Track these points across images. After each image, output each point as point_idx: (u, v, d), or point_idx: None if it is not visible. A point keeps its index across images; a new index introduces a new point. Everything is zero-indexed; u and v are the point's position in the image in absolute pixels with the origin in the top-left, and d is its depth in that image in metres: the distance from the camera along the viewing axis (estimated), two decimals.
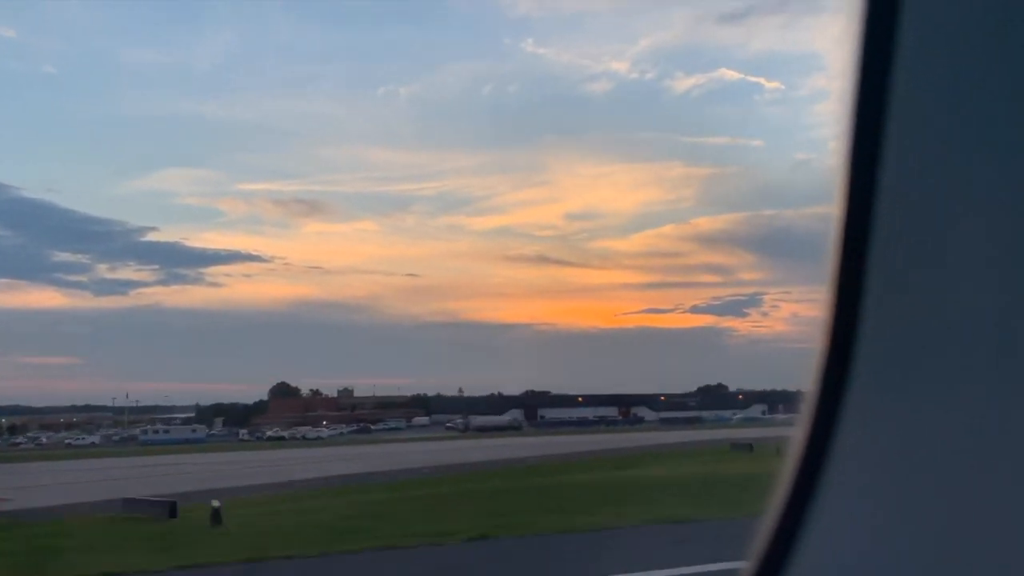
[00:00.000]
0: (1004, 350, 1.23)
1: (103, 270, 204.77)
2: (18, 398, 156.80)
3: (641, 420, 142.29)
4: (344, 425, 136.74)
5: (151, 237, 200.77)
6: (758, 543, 1.41)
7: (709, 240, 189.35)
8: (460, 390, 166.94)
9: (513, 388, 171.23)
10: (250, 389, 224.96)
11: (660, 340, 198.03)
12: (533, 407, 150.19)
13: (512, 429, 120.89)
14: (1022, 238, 1.21)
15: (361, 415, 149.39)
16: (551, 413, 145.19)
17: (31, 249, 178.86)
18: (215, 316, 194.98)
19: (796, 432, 1.39)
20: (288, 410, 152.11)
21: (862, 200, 1.29)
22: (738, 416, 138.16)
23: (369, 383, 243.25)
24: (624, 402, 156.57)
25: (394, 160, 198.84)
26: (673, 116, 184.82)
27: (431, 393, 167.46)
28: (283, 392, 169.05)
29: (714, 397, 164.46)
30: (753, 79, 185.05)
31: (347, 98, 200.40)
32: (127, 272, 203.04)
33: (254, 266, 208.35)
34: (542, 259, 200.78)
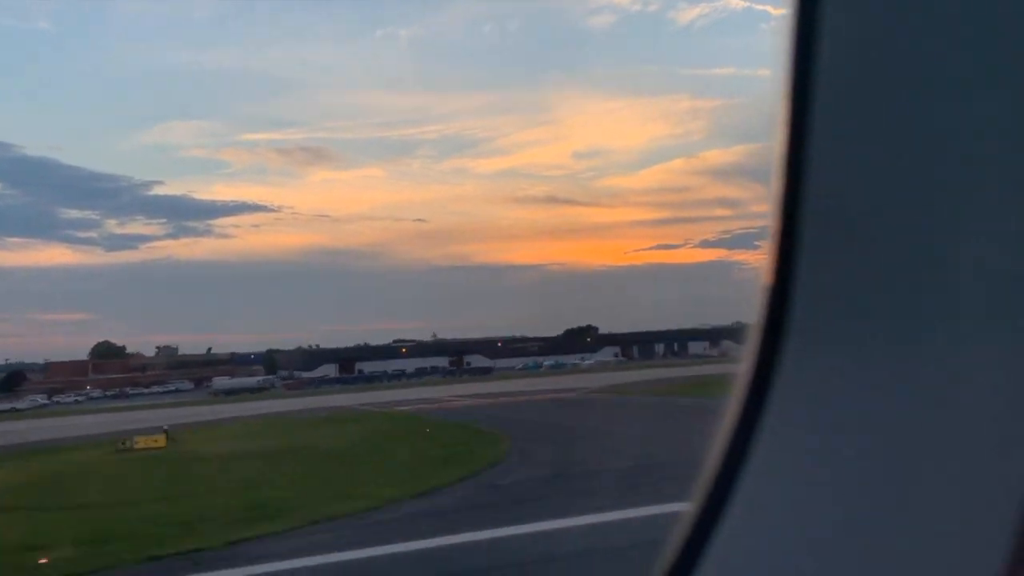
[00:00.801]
0: (949, 291, 1.23)
1: (112, 225, 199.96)
2: (36, 356, 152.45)
3: (457, 370, 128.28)
4: (103, 390, 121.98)
5: (157, 191, 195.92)
6: (701, 483, 1.39)
7: (719, 173, 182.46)
8: (433, 335, 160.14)
9: (524, 330, 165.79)
10: (266, 339, 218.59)
11: (670, 276, 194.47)
12: (351, 360, 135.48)
13: (260, 390, 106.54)
14: (964, 178, 1.22)
15: (143, 378, 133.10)
16: (373, 366, 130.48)
17: (40, 207, 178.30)
18: (226, 267, 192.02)
19: (740, 368, 1.38)
20: (108, 371, 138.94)
21: (799, 132, 1.29)
22: (551, 362, 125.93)
23: (382, 328, 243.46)
24: (458, 350, 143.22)
25: (397, 104, 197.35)
26: (678, 48, 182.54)
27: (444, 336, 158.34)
28: (103, 352, 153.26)
29: (575, 340, 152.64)
30: (759, 7, 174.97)
31: (346, 42, 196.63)
32: (136, 226, 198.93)
33: (262, 216, 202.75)
34: (551, 199, 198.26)
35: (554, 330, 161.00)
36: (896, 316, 1.26)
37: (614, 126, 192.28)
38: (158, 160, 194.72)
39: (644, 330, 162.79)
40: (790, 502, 1.29)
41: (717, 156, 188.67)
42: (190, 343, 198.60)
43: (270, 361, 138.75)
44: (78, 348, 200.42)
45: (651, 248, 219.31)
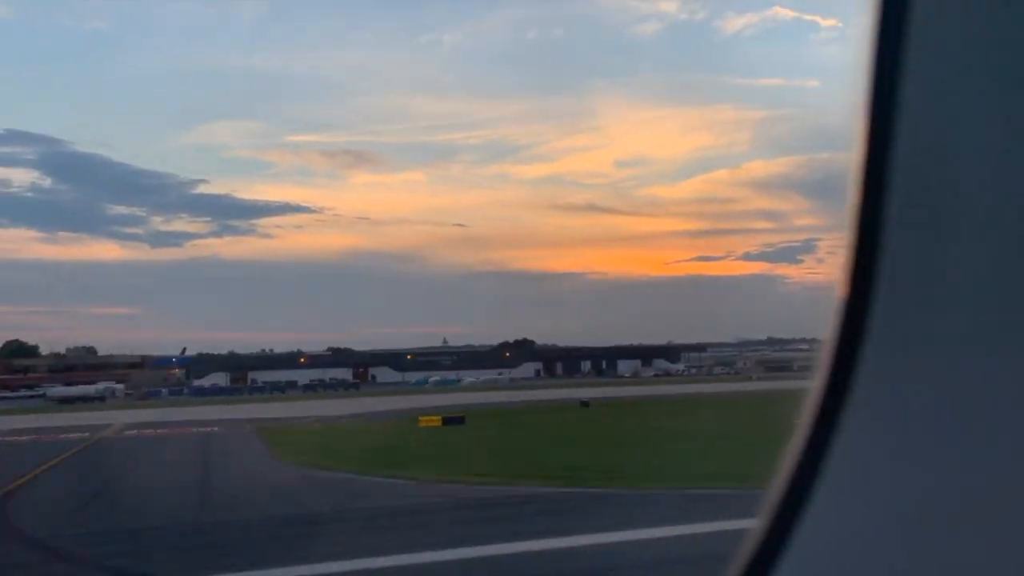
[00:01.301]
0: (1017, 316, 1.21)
1: (158, 222, 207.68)
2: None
3: (351, 385, 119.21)
4: None
5: (202, 190, 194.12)
6: (769, 501, 1.37)
7: (762, 185, 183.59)
8: (444, 340, 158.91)
9: (554, 338, 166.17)
10: (305, 337, 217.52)
11: (711, 288, 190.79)
12: (244, 371, 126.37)
13: (99, 399, 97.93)
14: None
15: (12, 380, 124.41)
16: (273, 376, 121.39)
17: (89, 202, 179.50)
18: (267, 266, 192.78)
19: (814, 383, 1.36)
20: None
21: (881, 149, 1.27)
22: (438, 377, 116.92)
23: (419, 332, 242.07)
24: (365, 362, 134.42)
25: (440, 109, 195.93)
26: (725, 57, 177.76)
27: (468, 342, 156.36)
28: (12, 351, 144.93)
29: (500, 354, 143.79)
30: (809, 17, 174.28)
31: (391, 47, 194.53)
32: (181, 224, 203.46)
33: (304, 217, 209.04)
34: (591, 207, 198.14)
35: (598, 340, 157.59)
36: (983, 334, 1.22)
37: (657, 135, 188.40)
38: (204, 159, 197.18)
39: (581, 345, 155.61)
40: (860, 528, 1.27)
41: (761, 168, 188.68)
42: (229, 341, 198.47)
43: (199, 366, 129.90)
44: (124, 342, 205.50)
45: (691, 260, 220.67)
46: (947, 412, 1.23)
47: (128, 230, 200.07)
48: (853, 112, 1.29)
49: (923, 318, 1.26)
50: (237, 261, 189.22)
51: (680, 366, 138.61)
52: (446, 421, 45.42)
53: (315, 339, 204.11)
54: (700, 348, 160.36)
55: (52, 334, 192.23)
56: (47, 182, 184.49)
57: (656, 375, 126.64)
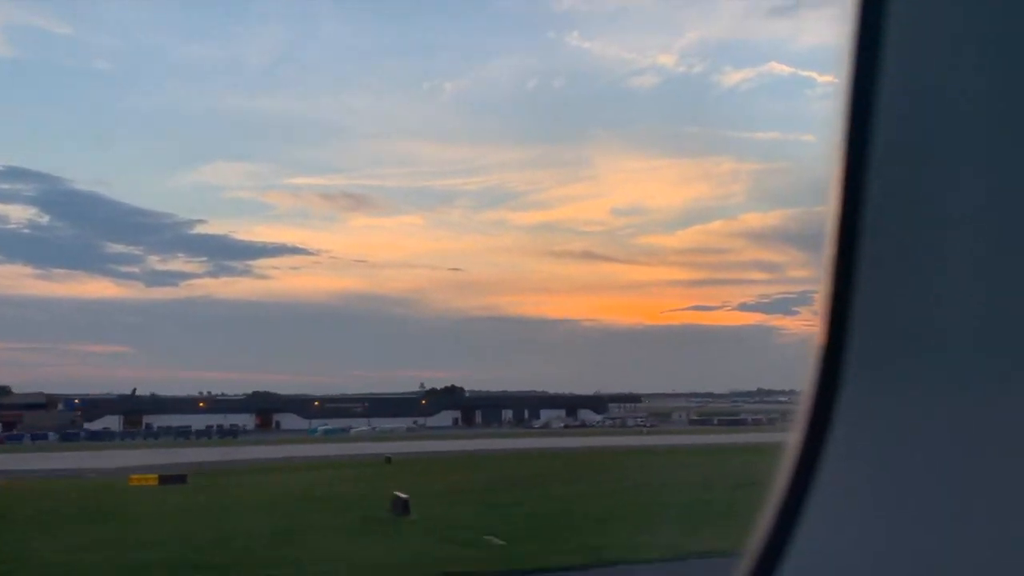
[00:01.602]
0: (997, 347, 1.26)
1: (154, 261, 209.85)
2: (71, 386, 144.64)
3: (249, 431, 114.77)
4: None
5: (200, 230, 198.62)
6: (754, 540, 1.42)
7: (758, 237, 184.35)
8: (422, 385, 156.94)
9: (553, 386, 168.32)
10: (294, 379, 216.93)
11: (707, 338, 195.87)
12: (139, 414, 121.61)
13: None
14: (1016, 234, 1.25)
15: None
16: (167, 420, 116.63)
17: (85, 240, 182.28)
18: (261, 307, 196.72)
19: (793, 429, 1.41)
20: None
21: (855, 196, 1.33)
22: (324, 429, 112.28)
23: (413, 376, 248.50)
24: (269, 407, 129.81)
25: (439, 155, 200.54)
26: (721, 111, 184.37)
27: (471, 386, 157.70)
28: None
29: (446, 400, 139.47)
30: (805, 73, 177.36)
31: (393, 93, 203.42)
32: (177, 264, 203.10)
33: (300, 259, 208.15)
34: (588, 255, 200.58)
35: (581, 387, 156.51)
36: (958, 378, 1.27)
37: (654, 185, 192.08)
38: (203, 199, 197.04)
39: (513, 393, 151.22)
40: (845, 555, 1.31)
41: (757, 219, 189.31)
42: (221, 382, 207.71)
43: (92, 410, 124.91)
44: (113, 381, 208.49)
45: (687, 309, 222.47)
46: (924, 454, 1.28)
47: (124, 268, 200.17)
48: (829, 162, 1.34)
49: (899, 363, 1.31)
50: (231, 301, 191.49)
51: (598, 418, 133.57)
52: (163, 480, 41.43)
53: (301, 381, 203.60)
54: (635, 399, 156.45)
55: (43, 371, 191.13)
56: (44, 219, 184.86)
57: (566, 426, 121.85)
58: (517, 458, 56.08)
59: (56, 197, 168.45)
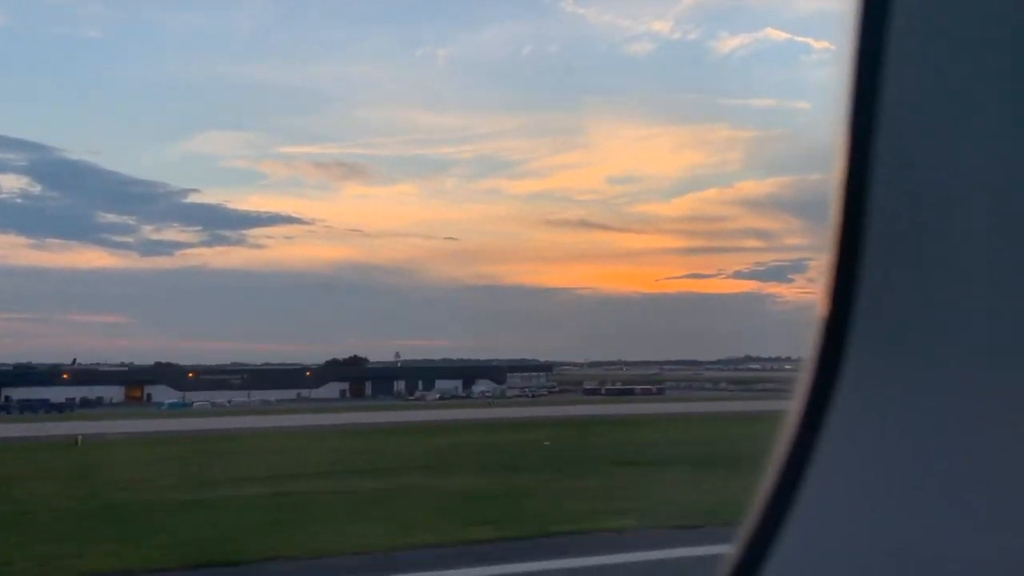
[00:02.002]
0: (1002, 338, 1.24)
1: (148, 231, 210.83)
2: (66, 355, 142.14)
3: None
4: None
5: (193, 199, 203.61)
6: (747, 523, 1.39)
7: (754, 204, 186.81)
8: (396, 354, 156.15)
9: (544, 354, 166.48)
10: (293, 349, 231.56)
11: (702, 305, 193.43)
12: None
13: None
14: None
15: None
16: (30, 393, 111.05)
17: (78, 210, 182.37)
18: (257, 277, 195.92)
19: (791, 406, 1.38)
20: None
21: (861, 171, 1.30)
22: (174, 401, 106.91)
23: (411, 344, 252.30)
24: (139, 380, 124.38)
25: (433, 122, 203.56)
26: (717, 78, 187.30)
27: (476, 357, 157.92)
28: None
29: (337, 370, 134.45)
30: (801, 39, 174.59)
31: (386, 60, 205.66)
32: (171, 233, 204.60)
33: (295, 228, 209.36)
34: (583, 223, 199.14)
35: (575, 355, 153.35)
36: (962, 351, 1.25)
37: (649, 153, 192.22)
38: (196, 169, 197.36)
39: (421, 364, 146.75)
40: (843, 540, 1.29)
41: (752, 187, 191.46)
42: (217, 352, 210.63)
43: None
44: (108, 351, 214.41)
45: (683, 276, 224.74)
46: (929, 426, 1.26)
47: (118, 238, 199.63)
48: (834, 130, 1.31)
49: (904, 334, 1.28)
50: (226, 271, 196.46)
51: (490, 388, 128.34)
52: None
53: (301, 351, 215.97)
54: (547, 368, 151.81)
55: (38, 342, 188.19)
56: (37, 189, 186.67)
57: (441, 398, 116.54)
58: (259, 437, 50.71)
59: (48, 167, 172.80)
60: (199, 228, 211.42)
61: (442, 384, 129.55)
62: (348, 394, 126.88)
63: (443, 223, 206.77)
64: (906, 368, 1.28)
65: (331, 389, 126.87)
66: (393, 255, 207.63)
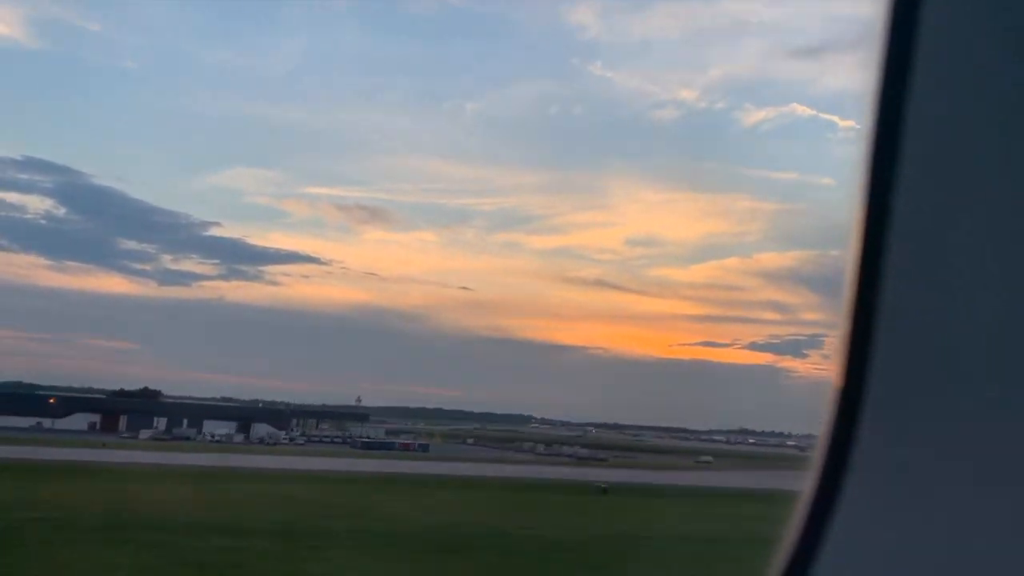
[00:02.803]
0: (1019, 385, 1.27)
1: (167, 260, 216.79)
2: (76, 378, 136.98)
3: None
4: None
5: (214, 232, 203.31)
6: (777, 564, 1.43)
7: (773, 276, 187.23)
8: (358, 399, 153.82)
9: (539, 411, 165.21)
10: (296, 388, 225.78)
11: (715, 375, 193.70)
12: None
13: None
14: None
15: None
16: None
17: (100, 235, 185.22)
18: (271, 313, 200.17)
19: (807, 475, 1.40)
20: None
21: (875, 241, 1.33)
22: None
23: (415, 391, 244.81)
24: None
25: (456, 173, 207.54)
26: (741, 148, 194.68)
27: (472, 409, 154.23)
28: None
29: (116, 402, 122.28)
30: (826, 116, 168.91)
31: (414, 110, 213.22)
32: (190, 264, 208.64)
33: (312, 268, 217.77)
34: (600, 283, 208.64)
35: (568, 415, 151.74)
36: (979, 415, 1.27)
37: (670, 218, 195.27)
38: (219, 203, 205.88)
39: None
40: None
41: (772, 259, 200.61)
42: (226, 385, 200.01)
43: None
44: (116, 377, 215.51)
45: (697, 344, 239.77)
46: (941, 504, 1.28)
47: (137, 265, 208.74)
48: (850, 205, 1.34)
49: (919, 409, 1.30)
50: (242, 305, 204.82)
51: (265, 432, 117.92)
52: None
53: (298, 389, 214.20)
54: (363, 417, 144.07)
55: (53, 363, 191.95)
56: (61, 211, 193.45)
57: (156, 439, 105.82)
58: None
59: (74, 190, 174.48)
60: (217, 261, 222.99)
61: (212, 425, 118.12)
62: (98, 427, 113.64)
63: (460, 272, 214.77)
64: (920, 446, 1.29)
65: (78, 420, 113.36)
66: (407, 300, 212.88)
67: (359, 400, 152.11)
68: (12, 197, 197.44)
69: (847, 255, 1.34)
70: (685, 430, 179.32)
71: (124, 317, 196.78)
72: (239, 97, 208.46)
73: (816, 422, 1.38)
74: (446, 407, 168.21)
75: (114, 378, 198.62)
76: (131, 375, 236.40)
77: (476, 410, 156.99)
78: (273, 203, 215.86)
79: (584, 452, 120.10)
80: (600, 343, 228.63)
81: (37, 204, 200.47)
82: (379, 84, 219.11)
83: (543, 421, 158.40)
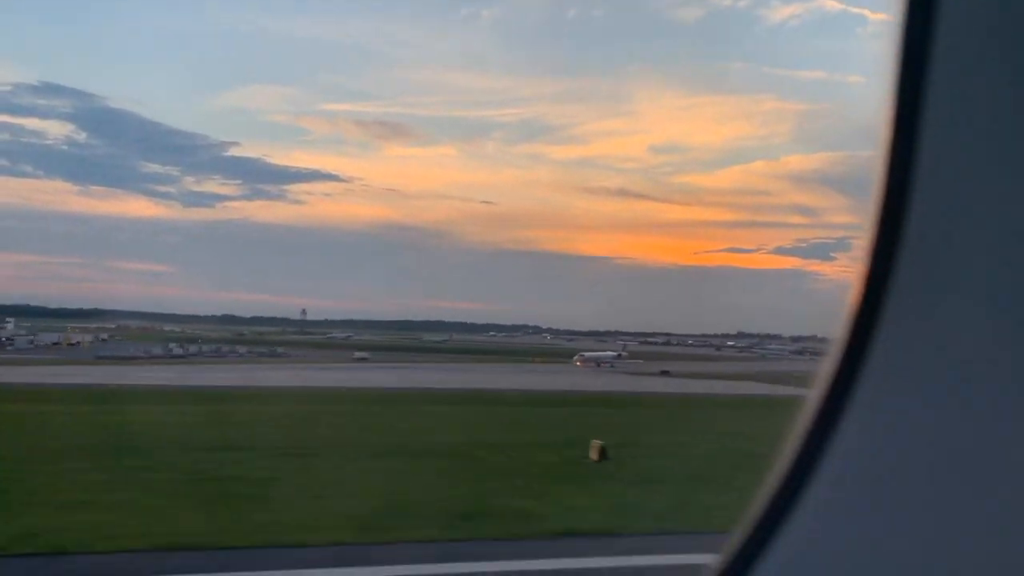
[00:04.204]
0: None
1: (190, 183, 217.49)
2: (111, 302, 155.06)
3: None
4: None
5: (234, 152, 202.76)
6: (748, 516, 1.40)
7: (799, 179, 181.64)
8: (303, 311, 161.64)
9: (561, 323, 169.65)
10: (337, 305, 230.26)
11: (742, 280, 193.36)
12: None
13: None
14: None
15: None
16: None
17: (122, 159, 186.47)
18: (296, 232, 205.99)
19: (813, 390, 1.37)
20: None
21: (906, 146, 1.28)
22: None
23: (444, 306, 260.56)
24: None
25: (475, 85, 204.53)
26: (767, 47, 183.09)
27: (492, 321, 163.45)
28: None
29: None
30: (856, 10, 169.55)
31: (430, 19, 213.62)
32: (212, 185, 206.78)
33: (333, 185, 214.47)
34: (623, 192, 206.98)
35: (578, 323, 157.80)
36: (992, 351, 1.25)
37: (694, 122, 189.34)
38: (238, 122, 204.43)
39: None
40: (855, 528, 1.30)
41: (799, 162, 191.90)
42: (253, 303, 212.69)
43: None
44: (152, 298, 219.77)
45: (723, 250, 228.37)
46: (951, 417, 1.27)
47: (161, 188, 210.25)
48: (875, 106, 1.29)
49: (934, 325, 1.27)
50: (265, 224, 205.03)
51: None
52: None
53: (339, 307, 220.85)
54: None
55: (87, 287, 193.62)
56: (82, 136, 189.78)
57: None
58: None
59: (92, 114, 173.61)
60: (240, 181, 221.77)
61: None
62: None
63: (482, 186, 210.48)
64: (932, 364, 1.26)
65: None
66: (430, 216, 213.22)
67: (304, 313, 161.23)
68: (32, 123, 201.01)
69: (874, 157, 1.30)
70: (709, 335, 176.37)
71: (154, 240, 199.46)
72: (252, 13, 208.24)
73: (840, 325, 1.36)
74: (467, 320, 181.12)
75: (149, 300, 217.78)
76: (164, 297, 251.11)
77: (498, 322, 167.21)
78: (292, 121, 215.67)
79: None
80: (624, 253, 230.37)
81: (57, 129, 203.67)
82: None
83: (555, 331, 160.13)
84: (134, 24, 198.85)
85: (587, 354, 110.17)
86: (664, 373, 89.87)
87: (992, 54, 1.23)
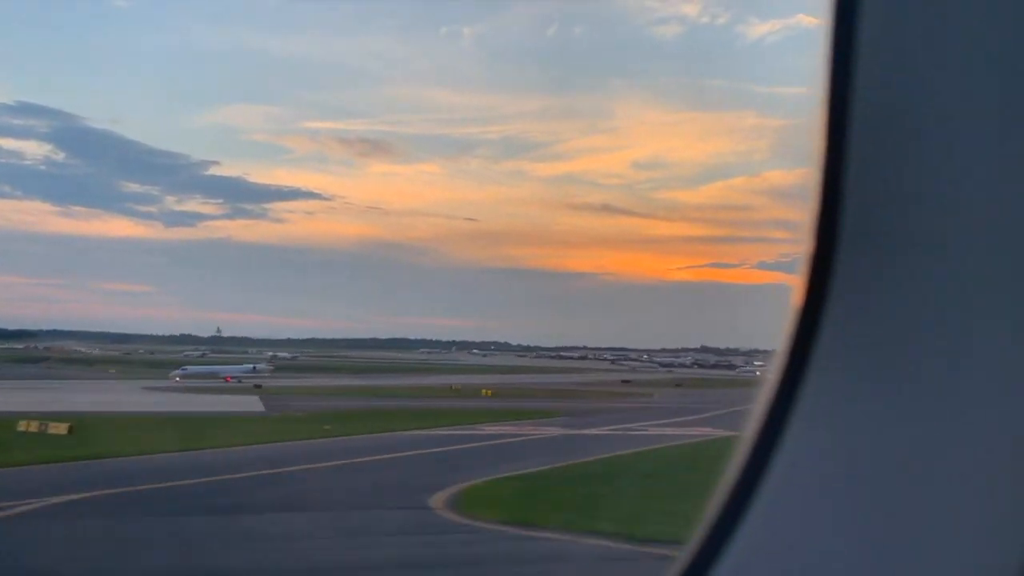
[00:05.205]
0: (974, 335, 1.29)
1: (171, 202, 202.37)
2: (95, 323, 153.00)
3: None
4: None
5: (214, 171, 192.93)
6: (720, 489, 1.42)
7: (781, 194, 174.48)
8: (218, 329, 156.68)
9: (557, 340, 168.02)
10: (310, 324, 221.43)
11: (725, 296, 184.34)
12: None
13: None
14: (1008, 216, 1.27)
15: None
16: None
17: (102, 179, 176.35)
18: (278, 251, 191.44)
19: (756, 403, 1.40)
20: None
21: (837, 157, 1.35)
22: None
23: (422, 323, 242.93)
24: None
25: (458, 102, 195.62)
26: (746, 64, 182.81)
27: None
28: None
29: None
30: None
31: (412, 37, 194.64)
32: (194, 205, 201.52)
33: (315, 203, 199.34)
34: (607, 208, 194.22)
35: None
36: (928, 344, 1.27)
37: (676, 138, 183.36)
38: (219, 141, 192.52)
39: None
40: (806, 524, 1.32)
41: (780, 177, 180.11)
42: (236, 322, 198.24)
43: None
44: (134, 319, 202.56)
45: (706, 265, 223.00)
46: (888, 420, 1.29)
47: (142, 208, 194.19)
48: (812, 121, 1.34)
49: (874, 327, 1.30)
50: (249, 244, 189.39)
51: None
52: None
53: (324, 326, 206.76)
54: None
55: (68, 308, 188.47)
56: (60, 156, 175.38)
57: None
58: None
59: (71, 134, 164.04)
60: (221, 200, 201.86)
61: None
62: None
63: (466, 203, 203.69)
64: (875, 364, 1.29)
65: None
66: (413, 234, 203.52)
67: (219, 331, 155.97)
68: (9, 143, 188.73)
69: (810, 173, 1.36)
70: (708, 349, 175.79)
71: (136, 260, 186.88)
72: (231, 31, 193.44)
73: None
74: (457, 337, 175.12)
75: (133, 322, 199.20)
76: (148, 318, 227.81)
77: (471, 339, 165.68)
78: (273, 139, 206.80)
79: None
80: (609, 268, 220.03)
81: (35, 149, 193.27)
82: (375, 11, 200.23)
83: (523, 348, 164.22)
84: (113, 43, 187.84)
85: (191, 368, 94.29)
86: (257, 387, 79.31)
87: (916, 57, 1.28)
